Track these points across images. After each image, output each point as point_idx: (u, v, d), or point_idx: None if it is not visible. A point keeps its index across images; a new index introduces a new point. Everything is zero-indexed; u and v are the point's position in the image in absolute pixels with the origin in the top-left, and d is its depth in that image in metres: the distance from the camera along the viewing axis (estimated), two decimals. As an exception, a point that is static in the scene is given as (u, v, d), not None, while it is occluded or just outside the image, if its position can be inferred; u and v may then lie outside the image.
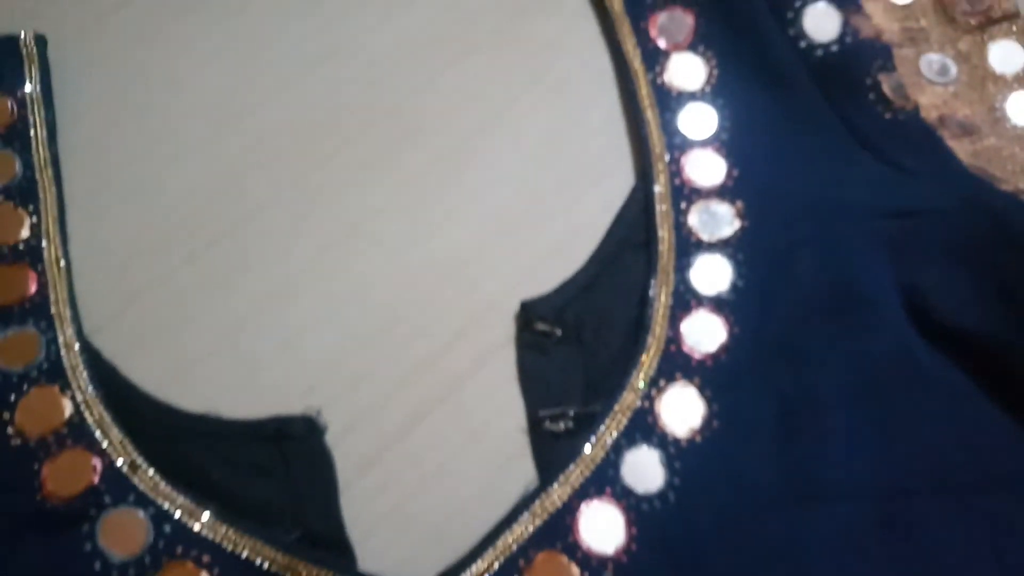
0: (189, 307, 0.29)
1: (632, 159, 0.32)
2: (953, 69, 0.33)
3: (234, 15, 0.33)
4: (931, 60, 0.33)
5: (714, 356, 0.27)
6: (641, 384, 0.27)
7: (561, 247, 0.30)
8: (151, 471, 0.25)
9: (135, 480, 0.25)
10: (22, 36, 0.32)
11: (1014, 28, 0.33)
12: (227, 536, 0.25)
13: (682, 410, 0.27)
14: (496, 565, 0.24)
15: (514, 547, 0.25)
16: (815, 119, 0.31)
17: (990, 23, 0.33)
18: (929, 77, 0.32)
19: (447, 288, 0.30)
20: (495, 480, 0.26)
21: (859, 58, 0.31)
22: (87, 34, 0.33)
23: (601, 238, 0.30)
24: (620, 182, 0.31)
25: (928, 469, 0.26)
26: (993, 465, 0.26)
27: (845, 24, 0.31)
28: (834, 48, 0.31)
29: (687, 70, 0.32)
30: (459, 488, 0.27)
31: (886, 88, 0.31)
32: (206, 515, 0.25)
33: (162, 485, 0.25)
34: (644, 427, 0.26)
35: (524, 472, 0.27)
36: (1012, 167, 0.30)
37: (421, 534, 0.26)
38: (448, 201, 0.31)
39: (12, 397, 0.26)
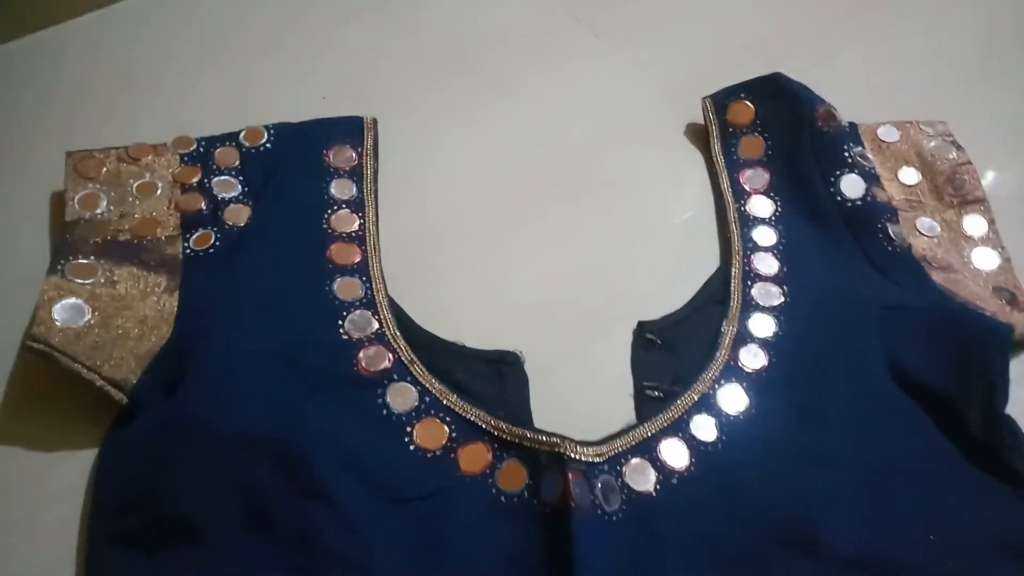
0: (443, 275, 0.43)
1: (719, 252, 0.45)
2: (938, 229, 0.46)
3: (487, 112, 0.52)
4: (924, 221, 0.46)
5: (757, 372, 0.38)
6: (709, 377, 0.38)
7: (669, 293, 0.43)
8: (422, 366, 0.37)
9: (412, 369, 0.37)
10: (365, 118, 0.48)
11: (981, 207, 0.47)
12: (463, 408, 0.36)
13: (733, 399, 0.37)
14: (609, 455, 0.34)
15: (618, 449, 0.34)
16: (842, 244, 0.43)
17: (966, 203, 0.47)
18: (921, 232, 0.45)
19: (595, 298, 0.43)
20: (608, 416, 0.37)
21: (875, 212, 0.43)
22: (397, 119, 0.49)
23: (694, 293, 0.43)
24: (709, 264, 0.45)
25: (894, 460, 0.35)
26: (934, 465, 0.36)
27: (867, 191, 0.44)
28: (859, 203, 0.44)
29: (761, 206, 0.46)
30: (587, 415, 0.37)
31: (891, 233, 0.42)
32: (453, 395, 0.36)
33: (427, 374, 0.37)
34: (707, 404, 0.37)
35: (627, 415, 0.38)
36: (967, 292, 0.42)
37: (566, 428, 0.35)
38: (604, 247, 0.46)
39: (344, 314, 0.39)
